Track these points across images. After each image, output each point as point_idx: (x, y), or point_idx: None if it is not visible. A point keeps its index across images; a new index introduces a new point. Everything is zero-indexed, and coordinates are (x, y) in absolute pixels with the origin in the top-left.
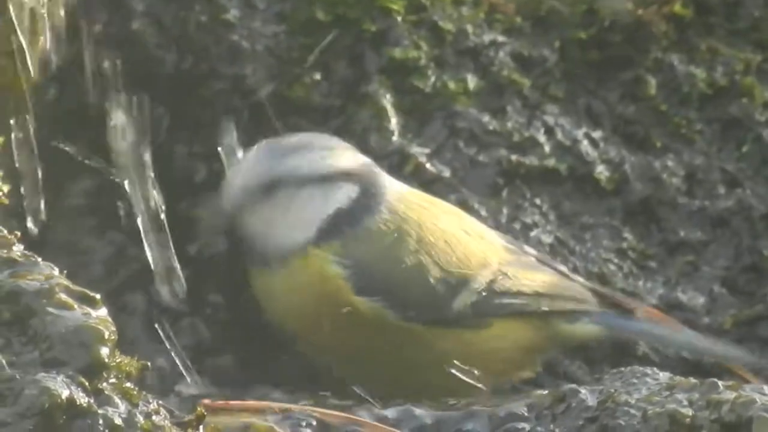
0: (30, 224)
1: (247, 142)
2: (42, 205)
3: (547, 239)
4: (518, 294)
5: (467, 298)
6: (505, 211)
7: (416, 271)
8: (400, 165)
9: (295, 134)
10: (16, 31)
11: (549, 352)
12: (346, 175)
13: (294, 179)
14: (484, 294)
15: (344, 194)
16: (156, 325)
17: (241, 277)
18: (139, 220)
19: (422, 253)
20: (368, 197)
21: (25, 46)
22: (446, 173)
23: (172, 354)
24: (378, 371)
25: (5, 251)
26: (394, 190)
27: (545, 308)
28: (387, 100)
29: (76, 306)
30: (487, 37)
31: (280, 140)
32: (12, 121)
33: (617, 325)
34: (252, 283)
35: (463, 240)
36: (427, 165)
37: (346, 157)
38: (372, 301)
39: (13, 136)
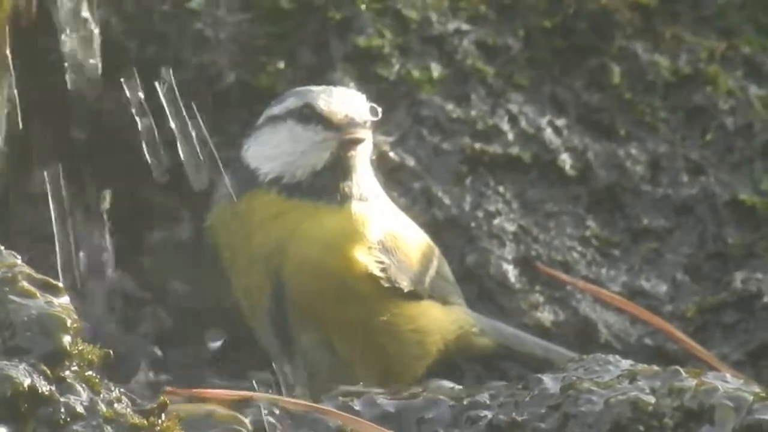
0: None
1: (210, 132)
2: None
3: (511, 227)
4: (449, 280)
5: (432, 273)
6: (468, 198)
7: (417, 245)
8: None
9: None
10: None
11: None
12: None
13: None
14: (437, 273)
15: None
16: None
17: (204, 265)
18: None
19: (418, 231)
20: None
21: None
22: (410, 161)
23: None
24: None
25: None
26: None
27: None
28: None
29: (38, 294)
30: (451, 26)
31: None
32: None
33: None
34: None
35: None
36: (391, 153)
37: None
38: (375, 266)
39: None
